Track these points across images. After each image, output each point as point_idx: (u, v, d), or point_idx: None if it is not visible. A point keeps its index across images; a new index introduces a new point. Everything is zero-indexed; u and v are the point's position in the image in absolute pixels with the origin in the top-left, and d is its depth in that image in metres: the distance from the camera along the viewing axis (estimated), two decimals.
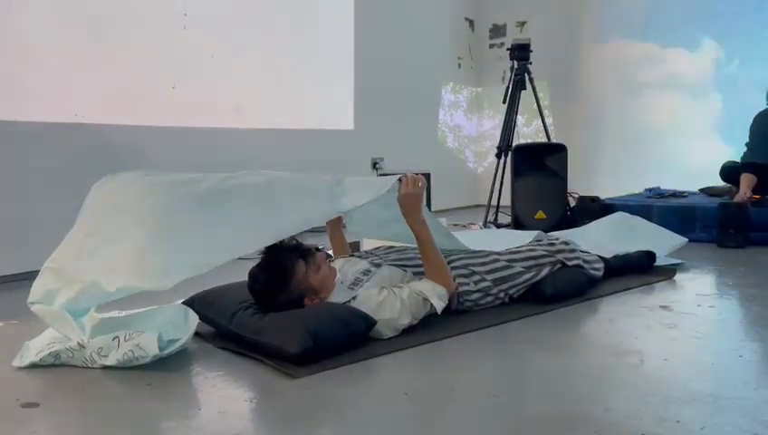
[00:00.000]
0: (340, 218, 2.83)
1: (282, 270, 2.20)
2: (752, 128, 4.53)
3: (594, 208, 4.49)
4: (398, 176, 2.37)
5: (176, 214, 2.13)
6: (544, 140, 5.08)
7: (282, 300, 2.20)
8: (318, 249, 2.81)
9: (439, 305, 2.31)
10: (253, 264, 2.27)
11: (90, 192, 2.25)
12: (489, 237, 3.50)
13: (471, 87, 6.88)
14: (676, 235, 3.64)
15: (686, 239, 3.63)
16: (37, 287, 2.11)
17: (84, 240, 2.14)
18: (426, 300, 2.30)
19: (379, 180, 2.46)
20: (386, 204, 2.46)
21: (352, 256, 2.65)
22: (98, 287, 2.00)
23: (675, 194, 4.94)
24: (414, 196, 2.35)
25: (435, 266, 2.39)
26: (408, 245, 2.63)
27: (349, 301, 2.26)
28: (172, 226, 2.09)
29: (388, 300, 2.23)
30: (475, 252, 2.68)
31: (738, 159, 4.61)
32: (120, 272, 1.99)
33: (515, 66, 4.91)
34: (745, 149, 4.54)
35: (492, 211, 4.96)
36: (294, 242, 2.28)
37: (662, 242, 3.54)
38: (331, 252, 3.02)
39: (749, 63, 5.40)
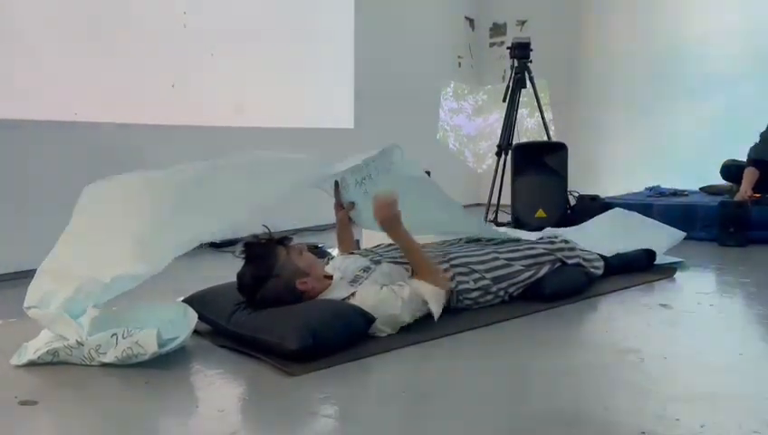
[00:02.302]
0: (348, 216, 2.83)
1: (263, 258, 2.23)
2: None
3: (594, 207, 4.48)
4: (391, 144, 2.45)
5: (167, 202, 2.17)
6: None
7: (273, 287, 2.21)
8: (317, 247, 2.83)
9: (437, 313, 2.31)
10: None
11: (82, 193, 2.25)
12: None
13: (471, 86, 6.87)
14: (674, 229, 3.64)
15: (685, 233, 3.63)
16: (33, 291, 2.10)
17: (79, 240, 2.16)
18: (425, 302, 2.30)
19: (368, 153, 2.51)
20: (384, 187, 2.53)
21: (352, 253, 2.65)
22: (94, 282, 2.01)
23: (675, 193, 4.93)
24: (389, 219, 2.36)
25: (423, 270, 2.39)
26: None
27: (347, 297, 2.26)
28: (162, 213, 2.13)
29: (387, 298, 2.23)
30: (474, 250, 2.68)
31: (738, 158, 4.59)
32: (114, 264, 2.01)
33: (516, 65, 4.90)
34: (757, 140, 4.48)
35: (492, 210, 4.95)
36: (268, 234, 2.30)
37: (661, 238, 3.54)
38: (335, 251, 3.02)
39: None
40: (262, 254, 2.24)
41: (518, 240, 2.91)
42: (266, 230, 2.31)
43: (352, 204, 2.75)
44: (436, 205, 2.73)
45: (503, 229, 3.07)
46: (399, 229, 2.39)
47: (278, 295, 2.20)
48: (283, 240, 2.31)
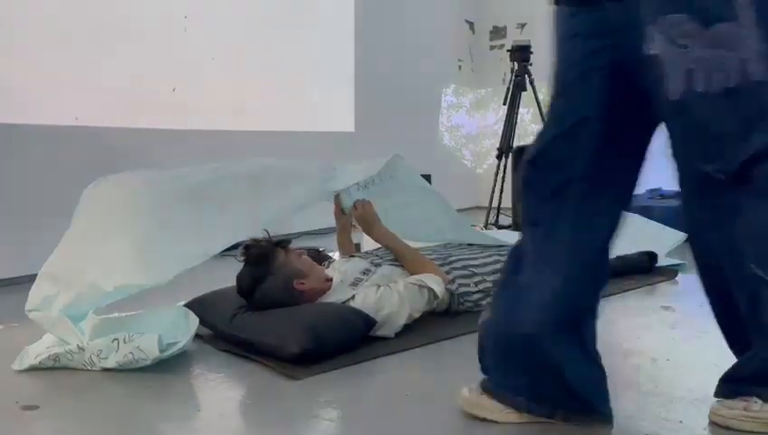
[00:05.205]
0: (349, 219, 2.83)
1: (261, 258, 2.25)
2: None
3: None
4: (393, 156, 2.50)
5: (169, 209, 2.15)
6: None
7: (271, 286, 2.22)
8: (318, 251, 2.83)
9: (438, 290, 2.33)
10: None
11: (83, 195, 2.25)
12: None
13: (471, 89, 6.87)
14: (675, 231, 3.63)
15: (686, 235, 3.62)
16: (34, 294, 2.09)
17: (80, 242, 2.14)
18: (422, 287, 2.31)
19: (370, 163, 2.52)
20: (386, 192, 2.57)
21: (352, 256, 2.65)
22: (96, 288, 1.99)
23: (677, 195, 4.91)
24: (366, 220, 2.53)
25: (417, 267, 2.42)
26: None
27: (347, 300, 2.26)
28: (167, 221, 2.12)
29: (385, 295, 2.24)
30: (475, 252, 2.67)
31: None
32: (117, 271, 1.99)
33: (516, 68, 4.90)
34: None
35: (493, 213, 4.95)
36: (268, 238, 2.33)
37: (662, 240, 3.54)
38: (335, 254, 3.02)
39: None
40: (260, 255, 2.26)
41: None
42: (266, 234, 2.33)
43: (355, 208, 2.74)
44: (439, 213, 2.74)
45: (503, 237, 3.06)
46: (380, 231, 2.52)
47: (276, 295, 2.21)
48: (282, 243, 2.32)
